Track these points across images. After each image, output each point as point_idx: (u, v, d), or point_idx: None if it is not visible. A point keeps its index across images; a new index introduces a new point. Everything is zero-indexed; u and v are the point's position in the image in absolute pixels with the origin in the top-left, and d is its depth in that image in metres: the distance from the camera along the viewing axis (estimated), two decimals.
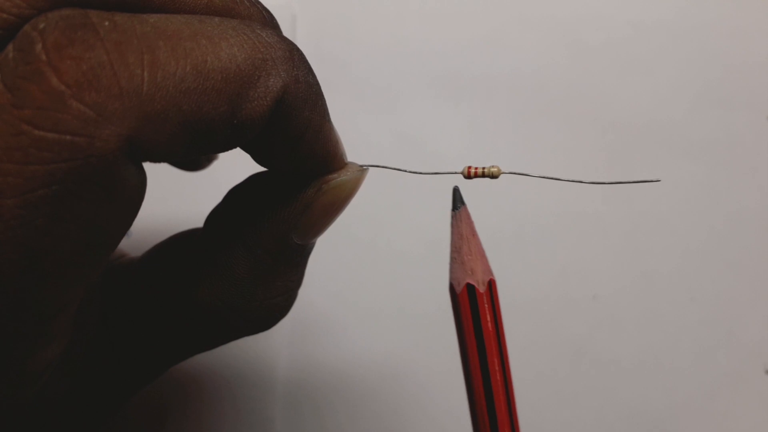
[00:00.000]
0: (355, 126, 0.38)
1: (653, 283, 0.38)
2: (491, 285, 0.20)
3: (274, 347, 0.36)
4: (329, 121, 0.19)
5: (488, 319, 0.20)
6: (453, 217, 0.21)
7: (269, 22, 0.19)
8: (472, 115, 0.39)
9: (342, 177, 0.20)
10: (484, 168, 0.21)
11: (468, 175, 0.22)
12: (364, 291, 0.37)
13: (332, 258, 0.37)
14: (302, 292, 0.22)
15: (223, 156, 0.25)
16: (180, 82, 0.15)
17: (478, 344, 0.20)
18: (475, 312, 0.20)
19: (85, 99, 0.14)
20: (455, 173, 0.22)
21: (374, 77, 0.39)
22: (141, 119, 0.15)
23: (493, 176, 0.21)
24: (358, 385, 0.37)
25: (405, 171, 0.23)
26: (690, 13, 0.40)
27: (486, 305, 0.20)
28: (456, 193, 0.21)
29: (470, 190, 0.22)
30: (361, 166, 0.21)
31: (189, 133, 0.15)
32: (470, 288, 0.20)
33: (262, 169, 0.20)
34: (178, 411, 0.35)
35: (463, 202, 0.21)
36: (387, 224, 0.38)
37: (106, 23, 0.15)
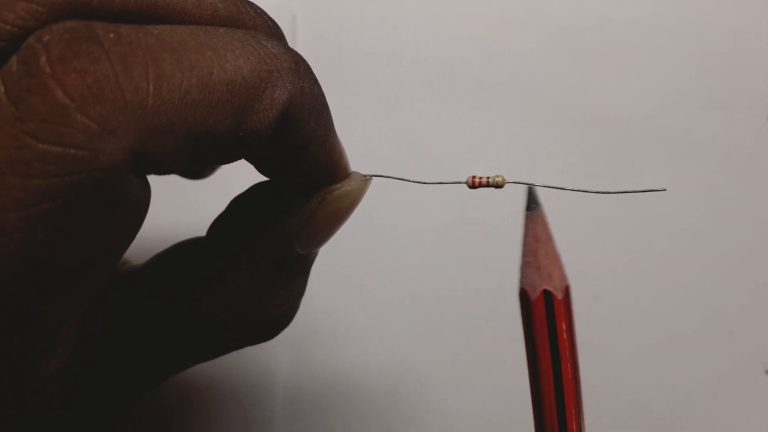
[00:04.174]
0: (354, 127, 0.38)
1: (653, 283, 0.38)
2: (568, 292, 0.19)
3: (275, 352, 0.36)
4: (334, 132, 0.19)
5: (564, 328, 0.19)
6: (527, 218, 0.20)
7: (275, 32, 0.19)
8: (473, 117, 0.39)
9: (345, 187, 0.20)
10: (488, 178, 0.21)
11: (472, 185, 0.22)
12: (365, 297, 0.37)
13: (333, 263, 0.37)
14: (303, 298, 0.22)
15: (226, 164, 0.25)
16: (185, 94, 0.15)
17: (552, 354, 0.19)
18: (551, 321, 0.19)
19: (89, 112, 0.14)
20: (460, 183, 0.22)
21: (374, 78, 0.39)
22: (146, 132, 0.14)
23: (498, 186, 0.21)
24: (359, 390, 0.37)
25: (409, 181, 0.22)
26: (690, 14, 0.40)
27: (564, 314, 0.19)
28: (531, 193, 0.20)
29: (471, 191, 0.22)
30: (365, 176, 0.21)
31: (194, 146, 0.15)
32: (547, 295, 0.19)
33: (264, 178, 0.20)
34: (179, 417, 0.35)
35: (537, 203, 0.20)
36: (388, 230, 0.38)
37: (111, 35, 0.14)
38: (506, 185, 0.22)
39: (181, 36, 0.15)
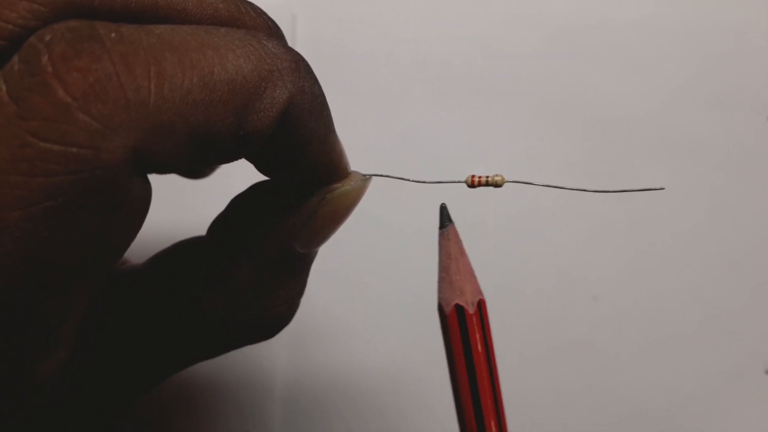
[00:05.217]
0: (354, 127, 0.38)
1: (653, 283, 0.38)
2: (481, 305, 0.20)
3: (274, 352, 0.36)
4: (333, 131, 0.19)
5: (477, 339, 0.20)
6: (440, 235, 0.20)
7: (275, 32, 0.19)
8: (473, 117, 0.39)
9: (345, 187, 0.20)
10: (488, 177, 0.21)
11: (472, 184, 0.22)
12: (364, 296, 0.37)
13: (332, 263, 0.37)
14: (303, 296, 0.22)
15: (226, 164, 0.25)
16: (187, 93, 0.15)
17: (467, 365, 0.20)
18: (464, 333, 0.20)
19: (91, 111, 0.14)
20: (459, 182, 0.22)
21: (374, 78, 0.39)
22: (147, 131, 0.14)
23: (497, 185, 0.21)
24: (358, 389, 0.37)
25: (408, 180, 0.22)
26: (690, 14, 0.40)
27: (476, 326, 0.20)
28: (443, 211, 0.20)
29: (471, 190, 0.22)
30: (364, 175, 0.21)
31: (195, 145, 0.15)
32: (459, 309, 0.20)
33: (264, 177, 0.20)
34: (178, 415, 0.35)
35: (450, 220, 0.20)
36: (387, 229, 0.38)
37: (113, 35, 0.15)
38: (505, 184, 0.22)
39: (182, 35, 0.15)
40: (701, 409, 0.37)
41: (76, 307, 0.17)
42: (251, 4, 0.19)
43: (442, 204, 0.20)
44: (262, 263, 0.20)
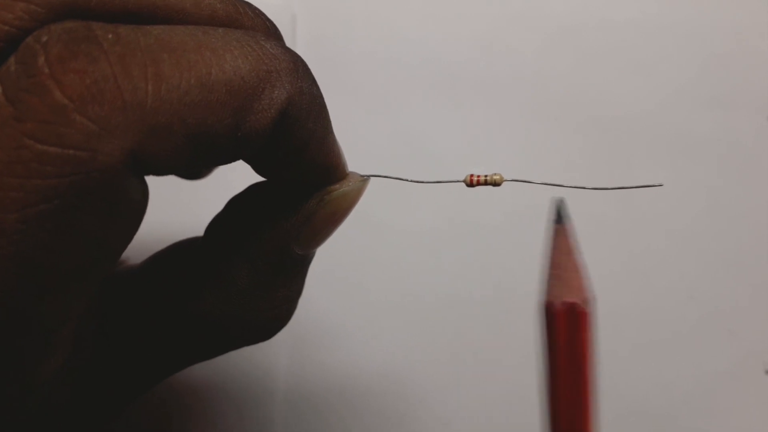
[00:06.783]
0: (354, 127, 0.38)
1: (652, 282, 0.38)
2: (590, 305, 0.18)
3: (274, 353, 0.36)
4: (332, 132, 0.19)
5: (587, 340, 0.18)
6: (555, 231, 0.19)
7: (273, 32, 0.19)
8: (472, 116, 0.39)
9: (344, 188, 0.20)
10: (486, 176, 0.21)
11: (470, 183, 0.22)
12: (363, 297, 0.37)
13: (331, 263, 0.37)
14: (301, 298, 0.22)
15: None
16: (184, 95, 0.15)
17: (573, 368, 0.18)
18: (573, 333, 0.18)
19: (88, 113, 0.14)
20: (458, 182, 0.22)
21: (374, 78, 0.39)
22: (145, 133, 0.14)
23: (496, 184, 0.21)
24: (358, 390, 0.37)
25: (407, 180, 0.22)
26: (690, 14, 0.40)
27: (587, 326, 0.18)
28: (561, 206, 0.19)
29: (469, 189, 0.22)
30: (363, 176, 0.21)
31: (193, 146, 0.15)
32: (570, 307, 0.18)
33: (261, 178, 0.20)
34: (176, 417, 0.35)
35: (568, 217, 0.19)
36: (386, 230, 0.38)
37: (110, 36, 0.14)
38: (504, 183, 0.22)
39: (179, 36, 0.15)
40: (701, 409, 0.37)
41: (74, 310, 0.17)
42: (249, 4, 0.19)
43: (560, 198, 0.19)
44: (260, 265, 0.20)
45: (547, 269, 0.19)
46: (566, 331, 0.18)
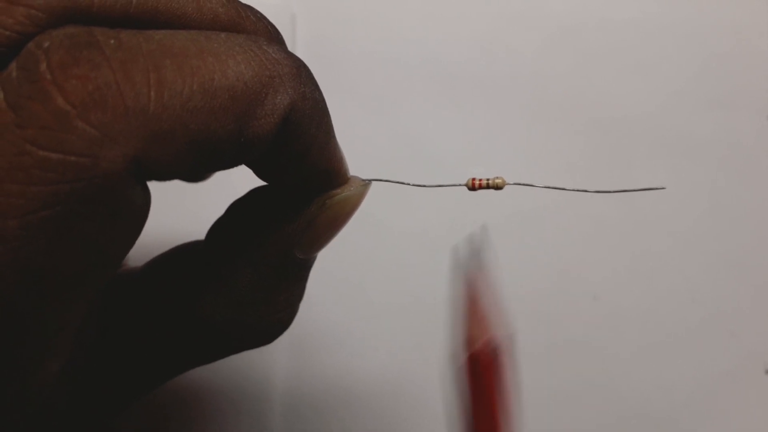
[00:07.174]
0: (354, 128, 0.38)
1: (654, 283, 0.38)
2: (497, 350, 0.19)
3: (273, 356, 0.36)
4: (334, 137, 0.19)
5: (493, 384, 0.19)
6: (463, 279, 0.19)
7: (275, 37, 0.19)
8: (473, 118, 0.39)
9: (345, 193, 0.20)
10: (488, 180, 0.21)
11: (472, 187, 0.22)
12: (364, 300, 0.37)
13: (332, 267, 0.37)
14: (302, 301, 0.22)
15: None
16: (187, 100, 0.15)
17: (485, 412, 0.19)
18: (479, 380, 0.19)
19: (90, 119, 0.14)
20: (459, 185, 0.22)
21: (374, 78, 0.39)
22: (147, 139, 0.14)
23: (498, 187, 0.21)
24: (357, 394, 0.36)
25: (408, 184, 0.22)
26: (690, 14, 0.40)
27: (492, 373, 0.19)
28: (475, 242, 0.19)
29: (470, 192, 0.22)
30: (364, 180, 0.21)
31: (196, 152, 0.15)
32: (473, 358, 0.19)
33: (263, 182, 0.20)
34: (175, 420, 0.35)
35: (483, 259, 0.19)
36: (387, 233, 0.37)
37: (112, 41, 0.14)
38: (506, 186, 0.22)
39: (182, 42, 0.15)
40: (701, 409, 0.37)
41: (75, 315, 0.16)
42: (251, 8, 0.19)
43: (475, 231, 0.19)
44: (261, 269, 0.20)
45: (454, 320, 0.19)
46: (473, 379, 0.19)
